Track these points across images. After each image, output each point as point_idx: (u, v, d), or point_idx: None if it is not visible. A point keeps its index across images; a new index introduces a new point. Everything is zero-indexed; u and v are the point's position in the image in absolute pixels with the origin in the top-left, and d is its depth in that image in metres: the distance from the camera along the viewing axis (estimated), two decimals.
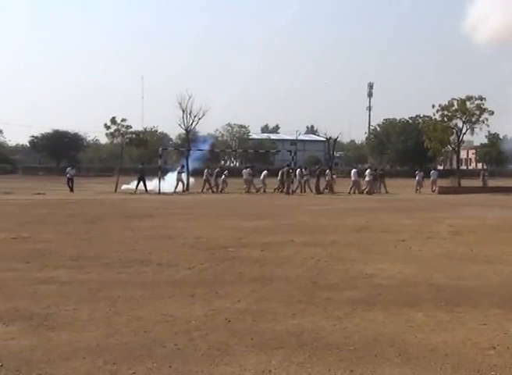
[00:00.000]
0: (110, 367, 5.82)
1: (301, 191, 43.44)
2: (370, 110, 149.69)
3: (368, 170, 44.28)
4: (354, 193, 42.76)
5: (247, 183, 43.73)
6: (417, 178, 45.35)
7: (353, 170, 44.34)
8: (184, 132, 50.39)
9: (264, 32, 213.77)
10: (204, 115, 45.42)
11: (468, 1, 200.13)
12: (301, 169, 45.03)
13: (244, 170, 44.84)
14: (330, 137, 52.46)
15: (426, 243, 15.32)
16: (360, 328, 7.22)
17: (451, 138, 47.55)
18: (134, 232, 17.29)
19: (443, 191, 43.05)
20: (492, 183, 52.60)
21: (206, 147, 73.61)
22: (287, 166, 43.76)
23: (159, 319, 7.58)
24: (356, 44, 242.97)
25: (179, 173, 44.02)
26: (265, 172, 45.02)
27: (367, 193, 42.06)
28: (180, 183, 43.51)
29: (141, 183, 41.61)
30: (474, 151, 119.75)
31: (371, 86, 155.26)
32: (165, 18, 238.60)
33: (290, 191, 41.40)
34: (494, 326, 7.36)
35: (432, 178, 47.03)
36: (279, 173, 43.62)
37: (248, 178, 43.88)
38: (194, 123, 46.05)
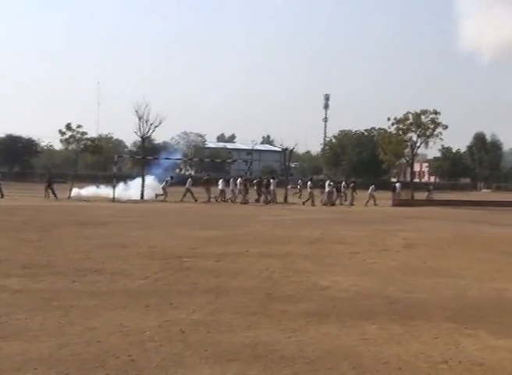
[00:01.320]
0: None
1: (257, 201, 43.53)
2: (326, 122, 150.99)
3: (327, 181, 44.59)
4: (305, 203, 42.95)
5: (221, 193, 43.81)
6: (369, 191, 45.72)
7: (309, 182, 44.59)
8: (140, 139, 50.05)
9: (221, 42, 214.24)
10: (160, 123, 45.20)
11: (426, 15, 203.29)
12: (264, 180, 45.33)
13: (220, 180, 44.91)
14: (286, 148, 52.42)
15: (380, 255, 15.45)
16: (314, 341, 7.25)
17: (405, 151, 48.11)
18: (88, 240, 17.12)
19: (397, 203, 43.47)
20: (443, 196, 53.40)
21: (177, 156, 73.72)
22: (259, 177, 44.22)
23: (113, 330, 7.51)
24: (312, 55, 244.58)
25: (166, 181, 44.01)
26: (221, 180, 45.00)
27: (324, 204, 42.27)
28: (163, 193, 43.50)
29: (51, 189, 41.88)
30: (427, 164, 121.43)
31: (327, 98, 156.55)
32: (122, 23, 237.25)
33: (245, 201, 41.45)
34: (446, 339, 7.45)
35: (396, 191, 47.58)
36: (254, 182, 43.96)
37: (224, 188, 43.94)
38: (150, 131, 45.73)
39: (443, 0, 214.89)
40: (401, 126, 46.26)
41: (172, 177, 46.79)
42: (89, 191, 46.49)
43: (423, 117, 45.74)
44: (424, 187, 53.94)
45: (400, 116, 47.07)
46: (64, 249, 15.09)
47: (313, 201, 42.59)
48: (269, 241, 18.24)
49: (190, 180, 44.72)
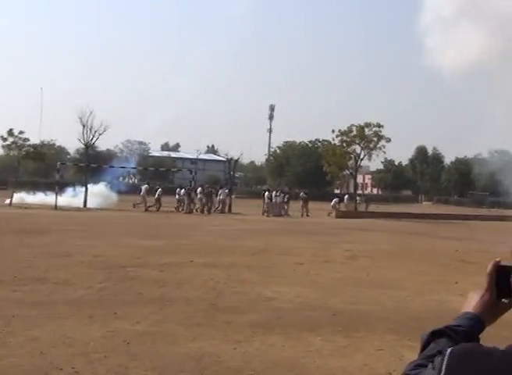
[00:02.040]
0: None
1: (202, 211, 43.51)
2: (270, 132, 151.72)
3: (274, 192, 44.72)
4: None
5: (200, 201, 43.62)
6: (332, 203, 46.11)
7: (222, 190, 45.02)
8: (83, 147, 49.58)
9: (164, 49, 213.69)
10: (105, 130, 44.77)
11: (374, 26, 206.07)
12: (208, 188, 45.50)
13: (220, 190, 44.94)
14: (231, 158, 52.46)
15: (323, 267, 15.57)
16: (260, 352, 7.27)
17: (349, 163, 48.52)
18: (30, 248, 16.86)
19: (341, 214, 43.81)
20: (386, 208, 54.09)
21: (131, 165, 73.17)
22: (209, 187, 44.30)
23: (56, 341, 7.42)
24: (258, 65, 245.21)
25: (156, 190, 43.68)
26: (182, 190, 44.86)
27: (273, 215, 42.35)
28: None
29: None
30: (370, 176, 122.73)
31: (272, 108, 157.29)
32: (66, 29, 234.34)
33: (190, 210, 41.31)
34: (390, 351, 7.55)
35: (345, 202, 48.07)
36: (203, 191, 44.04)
37: (201, 197, 43.78)
38: (94, 139, 45.27)
39: (391, 16, 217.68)
40: (345, 138, 46.63)
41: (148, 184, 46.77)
42: (35, 197, 45.70)
43: (367, 130, 46.18)
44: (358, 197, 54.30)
45: (344, 128, 47.50)
46: (5, 258, 14.86)
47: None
48: (213, 251, 18.21)
49: (160, 189, 44.45)
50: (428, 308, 10.63)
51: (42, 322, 8.40)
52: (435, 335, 1.67)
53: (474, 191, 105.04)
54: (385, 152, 47.59)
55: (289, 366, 6.74)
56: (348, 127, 46.46)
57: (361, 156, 47.48)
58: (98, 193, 45.52)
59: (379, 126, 46.11)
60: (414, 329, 8.84)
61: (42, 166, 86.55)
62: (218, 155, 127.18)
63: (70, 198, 44.90)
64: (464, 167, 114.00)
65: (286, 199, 44.68)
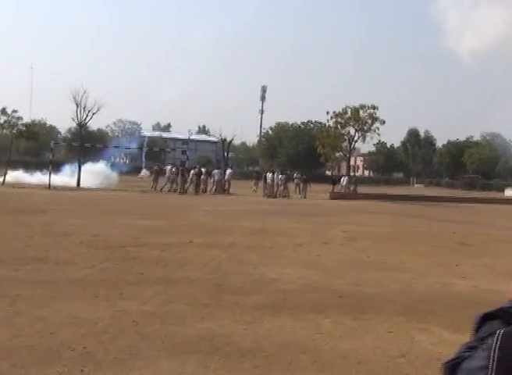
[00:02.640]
0: (19, 371, 5.58)
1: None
2: (262, 113, 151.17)
3: (275, 174, 44.72)
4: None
5: (218, 183, 43.72)
6: (295, 181, 46.06)
7: (228, 171, 44.85)
8: (75, 126, 49.38)
9: (159, 31, 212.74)
10: (98, 110, 44.48)
11: (368, 8, 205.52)
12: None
13: (216, 171, 44.95)
14: (225, 139, 52.29)
15: (323, 248, 15.50)
16: (270, 334, 7.20)
17: (343, 145, 48.47)
18: (27, 228, 16.74)
19: (335, 196, 43.78)
20: (378, 190, 54.22)
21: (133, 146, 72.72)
22: (180, 165, 43.91)
23: (64, 321, 7.33)
24: (251, 47, 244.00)
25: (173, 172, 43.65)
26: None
27: (269, 196, 42.36)
28: (169, 183, 43.10)
29: None
30: (361, 158, 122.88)
31: (264, 89, 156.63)
32: (56, 7, 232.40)
33: (183, 191, 41.17)
34: (400, 334, 7.49)
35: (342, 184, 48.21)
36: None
37: (220, 178, 43.93)
38: (88, 118, 44.99)
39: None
40: (340, 120, 46.54)
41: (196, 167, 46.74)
42: (33, 177, 45.29)
43: (361, 112, 46.13)
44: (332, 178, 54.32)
45: (337, 110, 47.38)
46: (3, 237, 14.72)
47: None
48: (211, 231, 18.12)
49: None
50: (433, 291, 10.58)
51: (48, 302, 8.29)
52: (488, 317, 1.59)
53: (466, 173, 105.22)
54: (379, 134, 47.54)
55: (301, 348, 6.67)
56: (343, 109, 46.42)
57: (355, 138, 47.44)
58: (98, 172, 45.29)
59: (374, 107, 46.09)
60: (421, 311, 8.83)
61: (34, 145, 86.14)
62: (211, 136, 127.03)
63: (69, 177, 44.59)
64: (455, 150, 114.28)
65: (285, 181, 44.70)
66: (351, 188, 49.37)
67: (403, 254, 15.25)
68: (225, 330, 7.25)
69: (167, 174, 43.53)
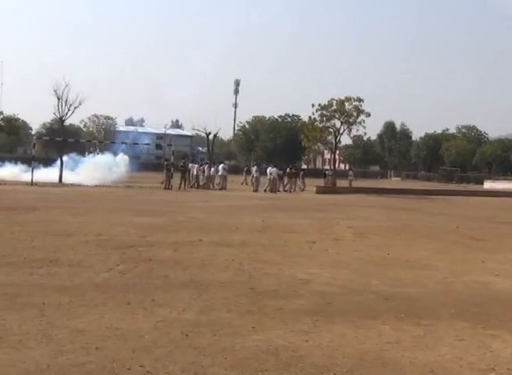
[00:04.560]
0: None
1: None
2: (236, 107, 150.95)
3: (254, 167, 44.23)
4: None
5: (222, 179, 43.22)
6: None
7: (221, 165, 43.94)
8: (49, 121, 48.35)
9: (132, 24, 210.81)
10: (80, 104, 43.39)
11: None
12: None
13: (222, 165, 44.32)
14: (210, 132, 51.47)
15: (338, 245, 14.90)
16: (336, 345, 6.54)
17: (328, 138, 47.93)
18: (24, 227, 15.92)
19: (320, 190, 43.24)
20: (358, 183, 53.86)
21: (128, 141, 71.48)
22: (166, 160, 43.09)
23: (106, 333, 6.61)
24: (226, 40, 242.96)
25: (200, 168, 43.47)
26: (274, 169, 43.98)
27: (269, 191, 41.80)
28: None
29: None
30: (338, 151, 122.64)
31: (237, 83, 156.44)
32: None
33: (169, 187, 40.32)
34: (473, 341, 6.88)
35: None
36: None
37: (224, 174, 43.37)
38: (70, 112, 43.87)
39: None
40: (325, 112, 45.89)
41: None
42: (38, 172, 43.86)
43: (347, 104, 45.55)
44: (324, 173, 53.93)
45: (319, 102, 46.69)
46: (2, 237, 13.90)
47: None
48: (215, 228, 17.45)
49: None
50: (475, 292, 10.00)
51: (79, 310, 7.55)
52: None
53: (443, 166, 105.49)
54: (364, 127, 46.94)
55: (379, 362, 6.01)
56: (328, 101, 45.75)
57: (341, 131, 46.88)
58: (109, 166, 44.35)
59: (360, 100, 45.52)
60: (478, 315, 8.27)
61: (7, 141, 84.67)
62: (195, 129, 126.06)
63: (69, 171, 43.52)
64: (432, 142, 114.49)
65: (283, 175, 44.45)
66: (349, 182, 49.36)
67: (420, 250, 14.71)
68: (284, 341, 6.58)
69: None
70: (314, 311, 8.02)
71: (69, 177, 42.08)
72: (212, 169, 43.76)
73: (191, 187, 42.42)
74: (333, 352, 6.27)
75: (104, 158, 47.08)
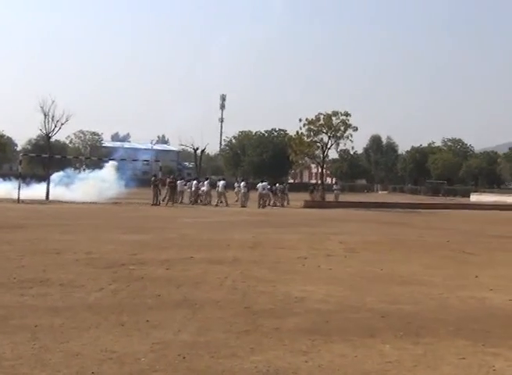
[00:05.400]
0: None
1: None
2: (222, 122, 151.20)
3: (242, 183, 44.12)
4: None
5: (221, 195, 43.00)
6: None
7: (221, 182, 43.67)
8: (35, 137, 48.07)
9: (119, 40, 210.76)
10: (67, 120, 43.22)
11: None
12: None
13: (221, 182, 43.98)
14: (197, 148, 51.35)
15: (330, 261, 14.79)
16: (338, 365, 6.42)
17: (316, 152, 47.91)
18: (12, 245, 15.73)
19: (309, 205, 43.18)
20: (346, 198, 53.89)
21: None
22: (154, 176, 42.93)
23: (101, 357, 6.46)
24: (212, 56, 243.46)
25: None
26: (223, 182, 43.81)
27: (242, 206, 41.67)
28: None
29: None
30: (325, 165, 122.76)
31: (223, 98, 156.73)
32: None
33: (157, 203, 40.10)
34: (475, 360, 6.77)
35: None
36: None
37: (223, 190, 43.20)
38: (57, 129, 43.67)
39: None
40: (312, 127, 45.87)
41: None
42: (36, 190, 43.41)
43: (334, 119, 45.56)
44: (310, 187, 53.73)
45: (305, 117, 46.65)
46: None
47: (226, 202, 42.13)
48: (205, 245, 17.30)
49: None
50: (472, 307, 9.91)
51: (72, 333, 7.39)
52: None
53: (429, 179, 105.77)
54: (352, 141, 46.93)
55: None
56: (316, 116, 45.75)
57: (328, 145, 46.87)
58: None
59: (347, 114, 45.55)
60: (477, 332, 8.17)
61: None
62: (185, 145, 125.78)
63: (64, 188, 43.21)
64: (419, 156, 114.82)
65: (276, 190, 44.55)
66: (334, 196, 49.29)
67: (412, 265, 14.62)
68: (284, 362, 6.45)
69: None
70: (311, 330, 7.90)
71: (65, 194, 41.75)
72: (195, 183, 43.81)
73: (178, 202, 42.26)
74: (334, 373, 6.16)
75: (102, 174, 46.73)
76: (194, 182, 44.42)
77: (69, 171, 49.02)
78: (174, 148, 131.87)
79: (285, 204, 44.51)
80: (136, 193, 46.46)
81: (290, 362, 6.49)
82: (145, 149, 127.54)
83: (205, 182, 44.24)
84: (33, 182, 45.70)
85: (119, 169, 48.89)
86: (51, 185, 43.51)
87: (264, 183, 43.27)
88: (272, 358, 6.58)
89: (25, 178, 41.86)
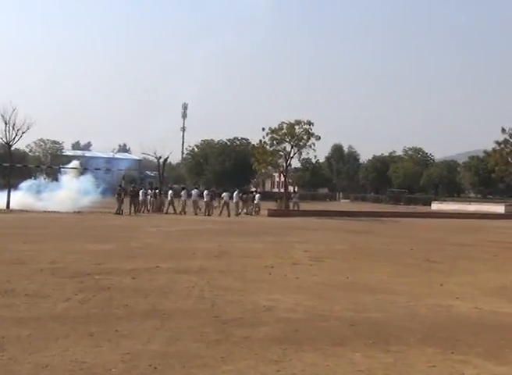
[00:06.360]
0: None
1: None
2: (184, 131, 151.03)
3: (205, 191, 44.14)
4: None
5: (208, 205, 42.82)
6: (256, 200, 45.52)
7: (184, 191, 43.58)
8: None
9: (83, 49, 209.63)
10: (28, 128, 42.75)
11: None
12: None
13: (205, 192, 44.02)
14: (160, 157, 51.10)
15: (296, 270, 14.82)
16: (310, 374, 6.42)
17: (279, 161, 48.01)
18: None
19: (272, 213, 43.18)
20: (307, 206, 54.11)
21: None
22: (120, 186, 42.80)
23: (71, 368, 6.39)
24: (173, 63, 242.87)
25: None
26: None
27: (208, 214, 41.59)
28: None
29: None
30: (288, 174, 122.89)
31: (185, 107, 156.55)
32: None
33: (120, 212, 39.82)
34: (445, 368, 6.84)
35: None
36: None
37: (208, 200, 42.99)
38: (17, 137, 43.18)
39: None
40: (275, 136, 45.96)
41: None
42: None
43: (297, 128, 45.71)
44: (276, 196, 54.14)
45: (269, 125, 46.73)
46: None
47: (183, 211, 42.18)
48: (171, 254, 17.21)
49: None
50: (439, 315, 10.01)
51: (41, 344, 7.30)
52: None
53: (391, 187, 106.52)
54: (315, 150, 47.14)
55: None
56: (279, 125, 45.85)
57: (291, 154, 47.00)
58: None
59: (310, 123, 45.72)
60: (445, 339, 8.24)
61: None
62: (148, 154, 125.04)
63: (34, 196, 42.69)
64: (380, 165, 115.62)
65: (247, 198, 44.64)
66: (293, 205, 49.35)
67: (378, 274, 14.71)
68: (256, 372, 6.45)
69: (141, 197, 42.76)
70: (281, 339, 7.90)
71: (35, 203, 41.26)
72: (183, 193, 43.84)
73: (140, 211, 42.04)
74: None
75: (76, 183, 46.19)
76: (170, 192, 44.84)
77: (41, 180, 48.36)
78: (136, 157, 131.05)
79: (253, 213, 44.47)
80: (108, 202, 45.93)
81: (263, 371, 6.49)
82: (107, 157, 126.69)
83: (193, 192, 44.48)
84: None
85: (96, 178, 48.48)
86: (20, 194, 43.03)
87: (225, 192, 43.70)
88: (243, 368, 6.57)
89: None
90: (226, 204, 42.39)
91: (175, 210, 42.65)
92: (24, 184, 46.09)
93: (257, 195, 46.34)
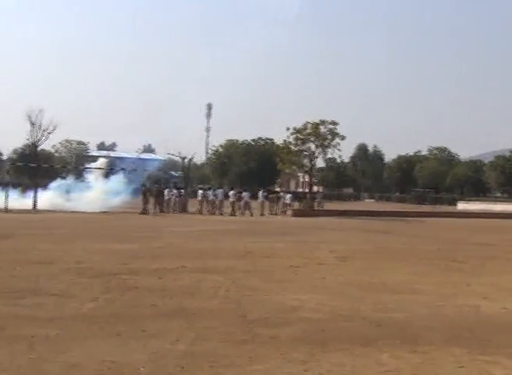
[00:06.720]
0: None
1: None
2: (208, 131, 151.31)
3: (231, 191, 44.34)
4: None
5: (233, 205, 43.31)
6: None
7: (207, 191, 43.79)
8: (21, 147, 47.90)
9: (107, 50, 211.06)
10: (54, 129, 43.11)
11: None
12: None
13: (231, 192, 44.44)
14: (185, 157, 51.17)
15: (322, 270, 14.80)
16: None
17: (304, 161, 47.89)
18: (2, 255, 15.67)
19: (297, 213, 43.17)
20: (332, 206, 54.04)
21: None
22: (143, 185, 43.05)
23: (100, 367, 6.43)
24: (199, 64, 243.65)
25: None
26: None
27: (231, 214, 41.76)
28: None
29: None
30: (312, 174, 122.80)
31: (209, 107, 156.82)
32: None
33: (146, 211, 39.98)
34: (474, 369, 6.79)
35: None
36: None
37: (233, 200, 43.50)
38: (43, 138, 43.56)
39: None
40: (300, 136, 45.86)
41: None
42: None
43: (321, 127, 45.60)
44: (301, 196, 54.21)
45: (296, 125, 46.64)
46: None
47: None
48: (196, 254, 17.24)
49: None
50: (466, 315, 9.95)
51: (69, 343, 7.35)
52: None
53: (416, 187, 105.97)
54: (340, 150, 47.04)
55: None
56: (303, 125, 45.75)
57: (316, 154, 46.90)
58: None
59: (334, 123, 45.59)
60: (473, 340, 8.19)
61: None
62: (173, 155, 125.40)
63: (64, 197, 42.85)
64: (405, 164, 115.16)
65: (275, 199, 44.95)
66: (317, 204, 49.43)
67: (403, 274, 14.66)
68: (283, 372, 6.46)
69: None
70: (307, 339, 7.90)
71: (65, 204, 41.43)
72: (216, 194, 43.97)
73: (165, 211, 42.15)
74: None
75: (107, 183, 46.34)
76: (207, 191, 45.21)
77: (70, 180, 48.48)
78: (161, 157, 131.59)
79: (279, 212, 44.68)
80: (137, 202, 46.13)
81: (290, 371, 6.49)
82: (131, 158, 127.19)
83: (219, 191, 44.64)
84: (27, 191, 45.05)
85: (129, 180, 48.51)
86: (49, 194, 43.23)
87: (245, 192, 44.06)
88: (271, 368, 6.58)
89: (16, 187, 41.48)
90: (247, 204, 42.52)
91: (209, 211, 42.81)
92: (54, 184, 46.25)
93: (289, 195, 46.72)
